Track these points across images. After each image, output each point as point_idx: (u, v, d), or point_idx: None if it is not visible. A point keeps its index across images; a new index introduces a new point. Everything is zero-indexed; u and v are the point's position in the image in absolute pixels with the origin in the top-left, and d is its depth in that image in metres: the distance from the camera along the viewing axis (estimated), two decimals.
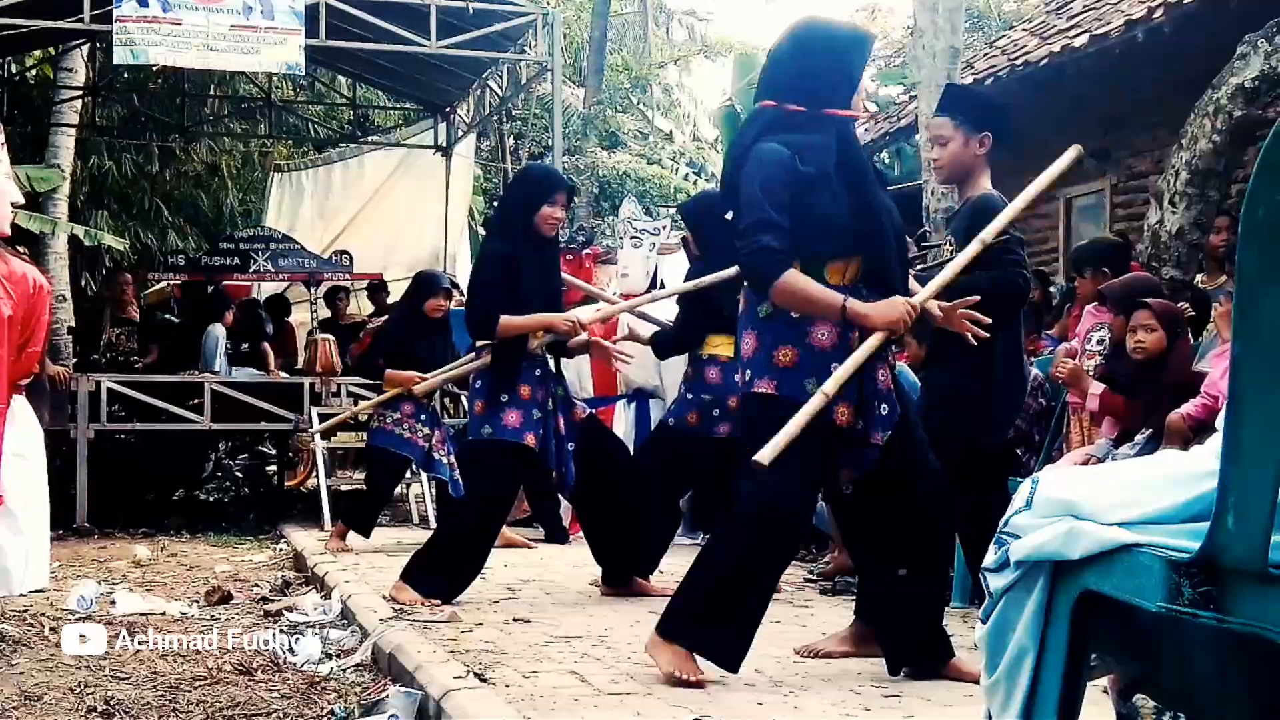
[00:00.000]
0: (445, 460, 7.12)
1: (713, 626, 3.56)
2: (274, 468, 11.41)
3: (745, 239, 3.56)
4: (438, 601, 4.93)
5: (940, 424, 4.05)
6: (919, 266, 6.59)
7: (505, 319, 5.05)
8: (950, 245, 4.24)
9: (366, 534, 7.18)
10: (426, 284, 7.16)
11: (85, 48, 12.41)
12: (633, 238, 8.26)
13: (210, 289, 10.78)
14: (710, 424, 5.51)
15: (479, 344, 5.33)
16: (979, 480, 4.23)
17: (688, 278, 5.63)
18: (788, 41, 3.72)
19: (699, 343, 5.57)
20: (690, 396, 5.58)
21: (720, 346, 5.45)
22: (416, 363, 6.88)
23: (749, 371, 3.66)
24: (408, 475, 8.72)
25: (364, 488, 7.59)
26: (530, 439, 5.06)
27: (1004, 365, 4.27)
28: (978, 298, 3.69)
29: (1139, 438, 4.77)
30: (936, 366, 4.51)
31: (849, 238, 3.59)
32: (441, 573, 5.06)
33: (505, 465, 5.15)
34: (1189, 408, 4.53)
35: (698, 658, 3.57)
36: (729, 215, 3.76)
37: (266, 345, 10.17)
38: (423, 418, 7.08)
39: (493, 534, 5.25)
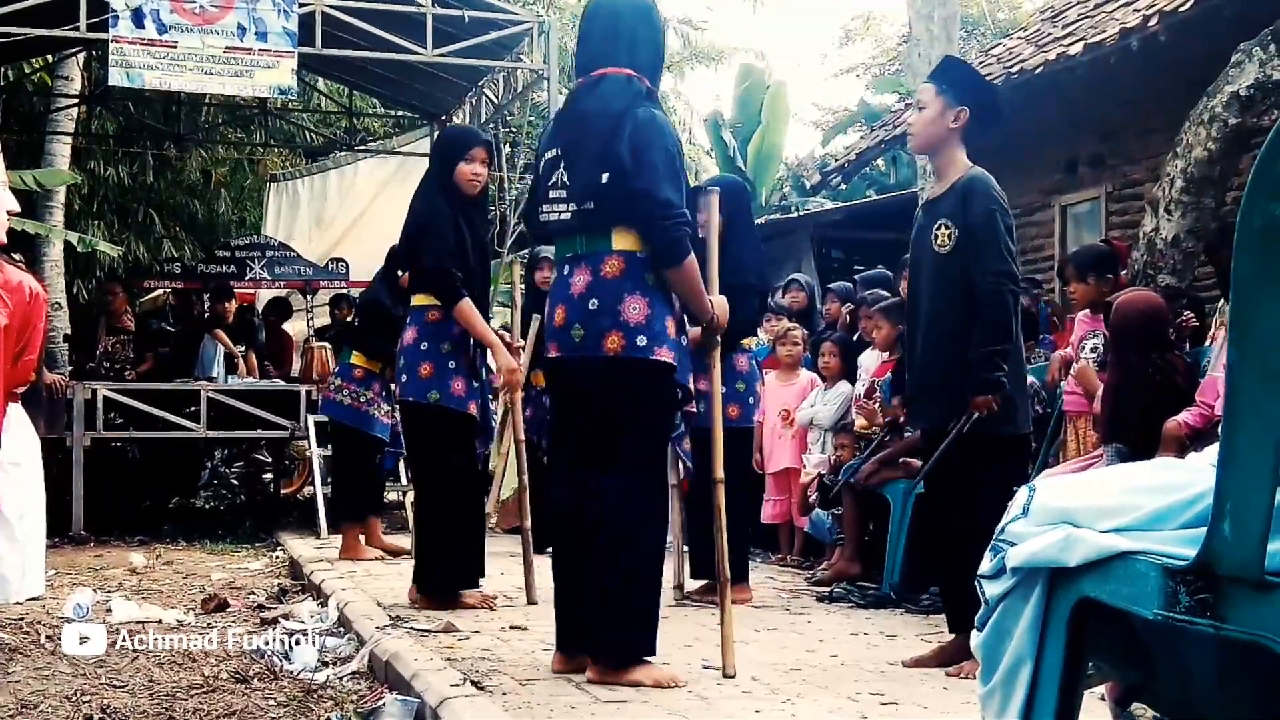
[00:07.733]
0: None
1: (652, 622, 3.65)
2: (270, 475, 11.41)
3: (669, 210, 3.48)
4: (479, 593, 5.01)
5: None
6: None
7: (468, 307, 4.89)
8: (947, 229, 4.04)
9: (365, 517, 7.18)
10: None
11: (81, 56, 12.41)
12: None
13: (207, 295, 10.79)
14: (749, 413, 5.52)
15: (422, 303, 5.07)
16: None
17: None
18: (645, 16, 3.70)
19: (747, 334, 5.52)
20: (724, 390, 5.57)
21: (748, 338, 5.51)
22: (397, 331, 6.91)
23: (643, 337, 3.52)
24: (403, 482, 8.72)
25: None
26: (473, 408, 5.02)
27: None
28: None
29: (1105, 449, 4.75)
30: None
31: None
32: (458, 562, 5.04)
33: (457, 435, 5.04)
34: (1186, 416, 4.52)
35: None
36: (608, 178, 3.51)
37: (252, 354, 10.17)
38: (385, 396, 7.03)
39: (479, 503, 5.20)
